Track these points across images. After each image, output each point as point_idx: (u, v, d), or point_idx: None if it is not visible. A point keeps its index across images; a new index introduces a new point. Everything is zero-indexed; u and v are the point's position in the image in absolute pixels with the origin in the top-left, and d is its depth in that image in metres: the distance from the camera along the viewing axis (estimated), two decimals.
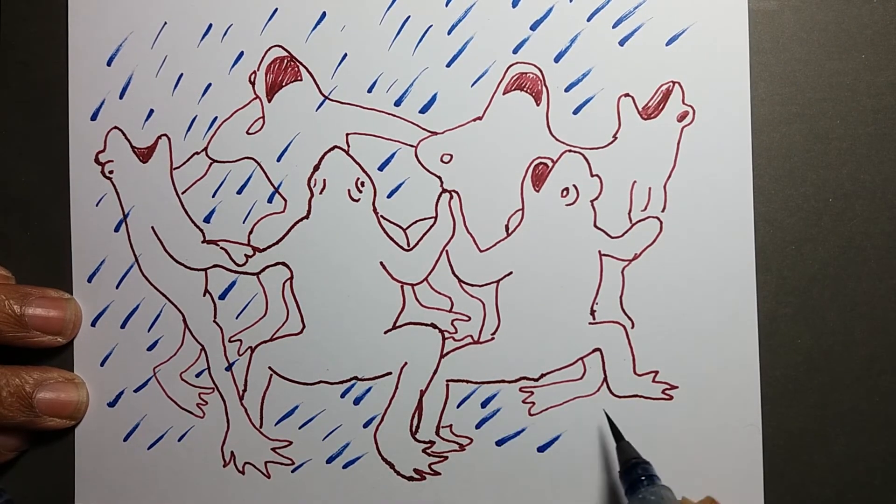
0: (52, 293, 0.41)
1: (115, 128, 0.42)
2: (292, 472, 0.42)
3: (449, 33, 0.41)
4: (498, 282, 0.40)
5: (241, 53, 0.41)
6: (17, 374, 0.40)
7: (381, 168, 0.41)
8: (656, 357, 0.40)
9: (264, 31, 0.41)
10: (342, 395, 0.41)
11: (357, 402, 0.41)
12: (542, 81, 0.40)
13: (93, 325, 0.42)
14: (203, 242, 0.42)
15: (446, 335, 0.41)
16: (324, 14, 0.41)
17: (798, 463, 0.39)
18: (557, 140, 0.40)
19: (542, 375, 0.40)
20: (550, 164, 0.40)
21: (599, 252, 0.40)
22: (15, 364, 0.41)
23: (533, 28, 0.40)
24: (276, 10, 0.41)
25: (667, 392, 0.40)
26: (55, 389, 0.41)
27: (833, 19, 0.40)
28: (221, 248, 0.42)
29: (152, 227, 0.42)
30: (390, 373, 0.41)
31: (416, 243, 0.41)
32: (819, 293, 0.39)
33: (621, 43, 0.40)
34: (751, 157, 0.39)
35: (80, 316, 0.42)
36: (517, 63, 0.40)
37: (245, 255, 0.41)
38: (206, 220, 0.42)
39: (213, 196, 0.42)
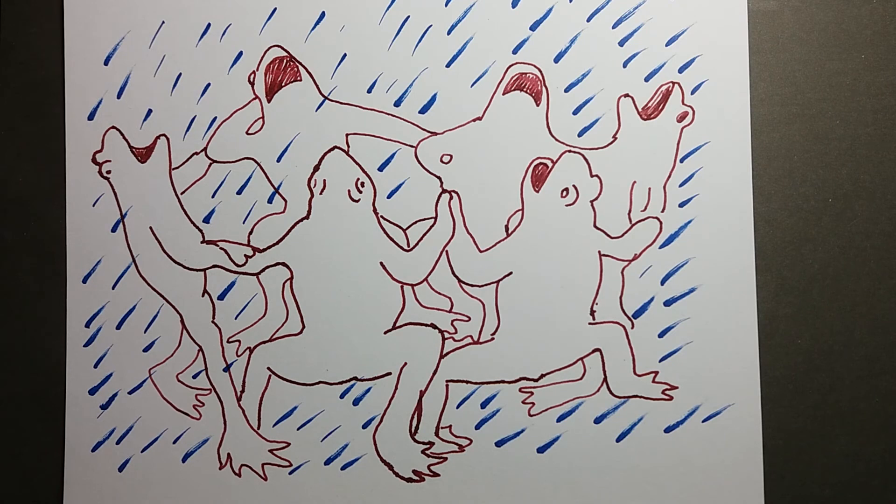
0: None
1: (113, 127, 0.42)
2: (290, 473, 0.41)
3: (449, 33, 0.41)
4: (498, 282, 0.40)
5: (241, 53, 0.41)
6: None
7: (381, 168, 0.41)
8: (656, 357, 0.40)
9: (263, 30, 0.41)
10: (341, 396, 0.41)
11: (356, 402, 0.41)
12: (542, 82, 0.40)
13: (87, 325, 0.42)
14: (202, 243, 0.41)
15: (446, 335, 0.41)
16: (323, 14, 0.41)
17: (798, 463, 0.39)
18: (557, 140, 0.40)
19: (542, 376, 0.40)
20: (550, 164, 0.40)
21: (599, 252, 0.40)
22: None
23: (533, 28, 0.40)
24: (275, 9, 0.41)
25: (667, 392, 0.40)
26: None
27: (833, 19, 0.40)
28: (221, 248, 0.41)
29: (150, 228, 0.42)
30: (390, 373, 0.41)
31: (416, 243, 0.41)
32: (819, 293, 0.40)
33: (621, 43, 0.40)
34: (750, 157, 0.40)
35: None
36: (517, 63, 0.40)
37: (245, 255, 0.41)
38: (206, 220, 0.41)
39: (213, 196, 0.41)
